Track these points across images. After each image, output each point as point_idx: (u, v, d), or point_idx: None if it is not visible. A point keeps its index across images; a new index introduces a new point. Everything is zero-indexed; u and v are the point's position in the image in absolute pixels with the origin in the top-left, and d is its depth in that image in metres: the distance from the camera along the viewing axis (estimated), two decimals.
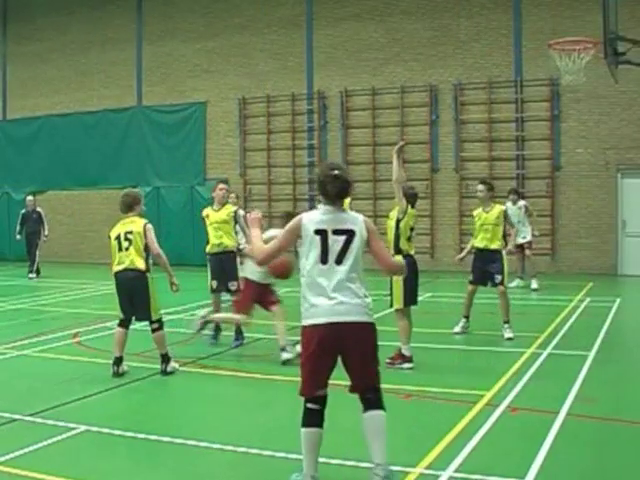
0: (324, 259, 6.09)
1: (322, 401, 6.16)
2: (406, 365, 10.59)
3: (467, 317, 13.52)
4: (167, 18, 29.41)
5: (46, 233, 25.26)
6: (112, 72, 30.43)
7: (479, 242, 13.55)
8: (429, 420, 8.25)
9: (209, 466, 7.00)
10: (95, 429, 7.88)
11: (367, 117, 26.42)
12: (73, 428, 7.88)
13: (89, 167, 30.56)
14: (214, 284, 13.05)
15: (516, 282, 20.00)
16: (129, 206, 10.83)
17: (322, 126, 27.13)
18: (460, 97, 25.29)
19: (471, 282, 13.55)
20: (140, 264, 10.47)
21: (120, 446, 7.48)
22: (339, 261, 6.08)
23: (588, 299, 17.70)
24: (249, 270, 11.62)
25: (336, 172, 6.18)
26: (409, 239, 10.87)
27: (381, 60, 26.27)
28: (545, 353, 11.67)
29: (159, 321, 10.68)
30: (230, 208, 13.59)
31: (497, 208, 13.74)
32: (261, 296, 11.65)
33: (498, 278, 13.16)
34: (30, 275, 24.46)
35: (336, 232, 6.12)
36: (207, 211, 13.74)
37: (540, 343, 12.37)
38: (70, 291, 20.71)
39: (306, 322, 6.12)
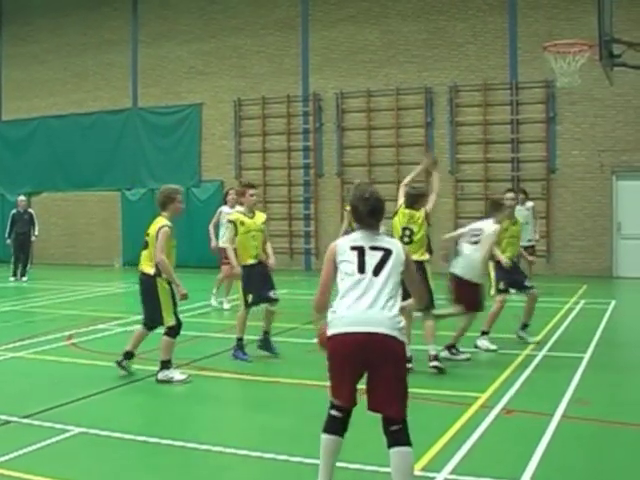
0: (361, 269, 5.84)
1: (347, 410, 5.92)
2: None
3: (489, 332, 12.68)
4: (162, 20, 29.39)
5: (36, 234, 25.15)
6: (108, 74, 30.41)
7: (510, 255, 12.82)
8: (424, 422, 8.22)
9: (208, 469, 6.98)
10: (90, 431, 7.85)
11: (362, 119, 26.42)
12: (68, 430, 7.86)
13: (84, 169, 30.50)
14: (250, 298, 11.67)
15: None
16: (161, 204, 10.42)
17: (317, 128, 27.13)
18: (455, 99, 25.31)
19: (503, 291, 12.80)
20: (147, 268, 10.28)
21: (116, 448, 7.45)
22: (376, 272, 5.83)
23: (583, 301, 17.72)
24: (462, 267, 11.51)
25: (367, 195, 6.02)
26: (402, 239, 10.59)
27: (376, 62, 26.28)
28: (540, 355, 11.68)
29: (171, 327, 10.18)
30: (263, 215, 12.38)
31: (520, 221, 13.65)
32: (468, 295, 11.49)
33: (529, 282, 12.99)
34: (23, 278, 24.33)
35: (373, 248, 5.91)
36: (239, 217, 12.02)
37: (535, 345, 12.37)
38: (64, 293, 20.67)
39: (332, 331, 5.83)
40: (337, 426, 5.92)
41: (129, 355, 10.52)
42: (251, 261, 11.77)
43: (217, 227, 17.60)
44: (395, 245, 6.00)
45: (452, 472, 6.61)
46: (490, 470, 6.64)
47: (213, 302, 17.55)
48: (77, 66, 30.96)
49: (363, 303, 5.74)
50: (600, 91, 22.83)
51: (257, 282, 11.72)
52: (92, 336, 13.85)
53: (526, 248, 18.14)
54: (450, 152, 25.38)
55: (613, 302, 17.56)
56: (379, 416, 5.73)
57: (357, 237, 6.00)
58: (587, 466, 6.92)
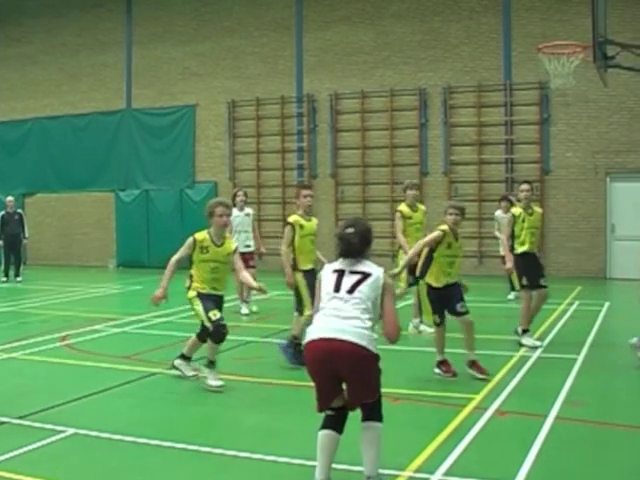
0: (337, 288, 6.18)
1: (339, 408, 6.19)
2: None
3: (528, 329, 12.73)
4: (157, 21, 29.38)
5: (27, 235, 25.09)
6: (102, 75, 30.39)
7: (529, 246, 12.80)
8: (418, 424, 8.24)
9: (197, 469, 6.97)
10: (84, 432, 7.85)
11: (356, 120, 26.43)
12: (62, 431, 7.85)
13: (78, 169, 30.48)
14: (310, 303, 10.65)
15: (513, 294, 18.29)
16: (207, 218, 10.15)
17: (312, 129, 27.13)
18: (450, 100, 25.33)
19: (526, 287, 12.73)
20: (186, 281, 10.22)
21: (109, 449, 7.44)
22: (351, 291, 6.14)
23: (577, 303, 17.73)
24: None
25: (343, 234, 6.32)
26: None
27: (371, 63, 26.29)
28: (534, 357, 11.69)
29: (203, 327, 10.00)
30: (315, 219, 12.04)
31: (538, 211, 13.32)
32: None
33: (544, 281, 12.86)
34: (17, 279, 24.30)
35: (353, 272, 6.24)
36: (299, 219, 11.45)
37: (529, 347, 12.37)
38: (59, 294, 20.64)
39: (306, 340, 6.21)
40: (331, 423, 6.18)
41: (183, 356, 10.58)
42: (310, 266, 11.34)
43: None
44: (376, 271, 6.26)
45: (446, 473, 6.61)
46: (484, 471, 6.65)
47: (244, 310, 16.70)
48: (71, 67, 30.94)
49: (336, 315, 6.06)
50: (594, 92, 22.87)
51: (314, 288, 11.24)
52: (86, 337, 13.82)
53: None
54: (444, 153, 25.39)
55: (607, 304, 17.57)
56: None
57: (339, 263, 6.37)
58: (581, 467, 6.93)
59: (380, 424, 6.17)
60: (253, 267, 16.45)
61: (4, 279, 24.31)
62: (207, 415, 8.88)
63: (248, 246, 16.93)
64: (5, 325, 15.65)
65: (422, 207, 14.41)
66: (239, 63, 28.10)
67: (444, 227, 10.55)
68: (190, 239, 10.01)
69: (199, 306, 9.91)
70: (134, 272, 27.06)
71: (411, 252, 10.98)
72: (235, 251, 10.23)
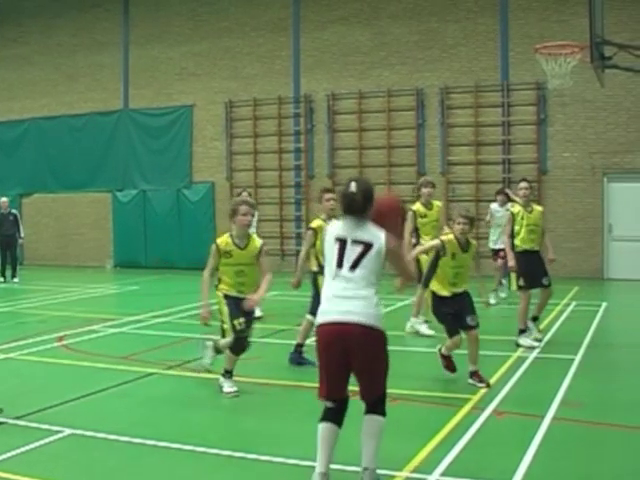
0: (340, 263, 6.24)
1: (340, 400, 6.25)
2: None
3: (526, 329, 12.67)
4: (154, 21, 29.36)
5: (22, 235, 25.05)
6: (99, 75, 30.36)
7: (528, 243, 12.81)
8: (415, 424, 8.24)
9: (193, 469, 6.97)
10: (81, 432, 7.84)
11: (354, 120, 26.42)
12: (59, 431, 7.84)
13: (75, 170, 30.45)
14: None
15: (503, 294, 18.35)
16: (229, 217, 9.81)
17: (309, 129, 27.13)
18: (447, 101, 25.33)
19: (524, 287, 12.71)
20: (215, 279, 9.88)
21: (105, 450, 7.43)
22: (354, 266, 6.20)
23: (574, 303, 17.73)
24: None
25: (345, 191, 6.33)
26: None
27: (368, 64, 26.29)
28: (531, 357, 11.68)
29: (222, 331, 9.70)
30: None
31: (538, 209, 13.26)
32: None
33: (547, 280, 12.81)
34: (14, 279, 24.27)
35: (355, 242, 6.25)
36: (322, 225, 10.69)
37: (526, 347, 12.37)
38: (56, 294, 20.62)
39: (317, 322, 6.34)
40: (331, 416, 6.22)
41: (226, 373, 9.86)
42: None
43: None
44: (378, 239, 6.25)
45: (443, 474, 6.60)
46: (481, 472, 6.65)
47: None
48: (68, 67, 30.91)
49: (342, 296, 6.15)
50: (591, 93, 22.88)
51: None
52: (84, 337, 13.81)
53: (497, 251, 17.76)
54: (441, 154, 25.40)
55: (604, 304, 17.58)
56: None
57: (342, 227, 6.36)
58: (578, 468, 6.92)
59: (383, 418, 6.24)
60: None
61: (1, 279, 24.29)
62: (203, 415, 8.85)
63: None
64: (2, 325, 15.62)
65: (438, 204, 14.13)
66: (236, 63, 28.09)
67: (449, 236, 10.20)
68: (213, 246, 9.63)
69: (226, 309, 9.54)
70: (131, 272, 27.06)
71: (409, 257, 10.81)
72: (261, 251, 9.75)
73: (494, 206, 18.95)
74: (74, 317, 16.35)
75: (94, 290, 21.87)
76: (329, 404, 6.23)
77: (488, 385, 9.79)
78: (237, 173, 28.12)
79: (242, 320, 9.39)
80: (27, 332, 14.30)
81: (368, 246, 6.20)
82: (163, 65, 29.26)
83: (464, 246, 10.07)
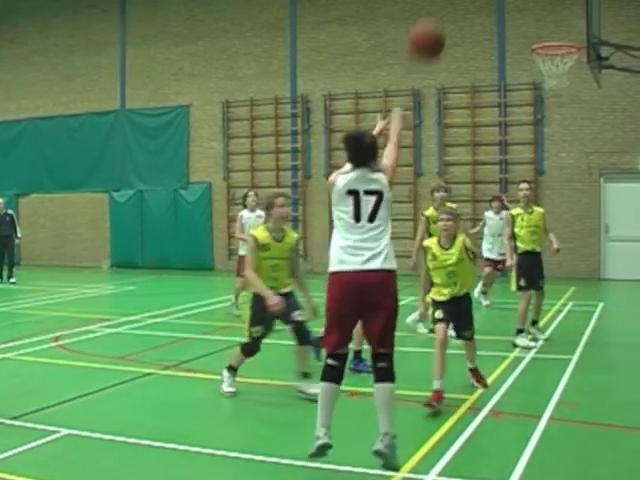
0: (357, 217, 6.57)
1: (342, 358, 6.57)
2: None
3: (523, 329, 12.69)
4: (150, 22, 29.35)
5: (19, 236, 24.99)
6: (95, 75, 30.34)
7: (530, 244, 12.77)
8: (412, 424, 8.23)
9: (187, 469, 6.97)
10: (78, 433, 7.84)
11: (350, 121, 26.40)
12: (55, 432, 7.84)
13: (72, 170, 30.43)
14: None
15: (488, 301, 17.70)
16: (265, 209, 9.68)
17: (306, 130, 27.14)
18: (444, 101, 25.34)
19: (524, 288, 12.70)
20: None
21: (102, 450, 7.43)
22: (372, 219, 6.57)
23: (571, 303, 17.75)
24: None
25: (354, 137, 6.92)
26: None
27: (365, 64, 26.30)
28: (528, 357, 11.69)
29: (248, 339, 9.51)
30: None
31: (538, 210, 13.22)
32: None
33: (542, 282, 12.84)
34: (11, 279, 24.22)
35: (367, 192, 6.61)
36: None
37: (523, 347, 12.37)
38: (53, 294, 20.60)
39: (333, 269, 6.54)
40: (332, 374, 6.56)
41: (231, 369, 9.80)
42: None
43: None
44: (383, 183, 6.70)
45: (440, 474, 6.60)
46: (478, 472, 6.66)
47: (236, 311, 15.99)
48: (65, 67, 30.89)
49: (362, 247, 6.48)
50: (588, 93, 22.89)
51: None
52: (80, 337, 13.80)
53: (497, 262, 17.18)
54: (438, 154, 25.41)
55: (601, 304, 17.59)
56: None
57: (353, 178, 6.67)
58: (575, 468, 6.92)
59: (393, 384, 6.48)
60: None
61: (13, 280, 24.23)
62: (197, 415, 8.84)
63: None
64: None
65: (452, 206, 13.52)
66: (233, 63, 28.09)
67: (431, 238, 10.20)
68: (250, 239, 9.32)
69: (249, 313, 9.39)
70: (128, 272, 27.04)
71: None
72: (297, 244, 9.67)
73: (488, 214, 18.49)
74: (70, 317, 16.33)
75: (91, 290, 21.85)
76: (331, 361, 6.51)
77: (485, 385, 9.79)
78: (234, 173, 28.12)
79: (259, 329, 9.36)
80: (23, 332, 14.29)
81: (380, 195, 6.56)
82: (160, 65, 29.25)
83: (444, 245, 9.62)
